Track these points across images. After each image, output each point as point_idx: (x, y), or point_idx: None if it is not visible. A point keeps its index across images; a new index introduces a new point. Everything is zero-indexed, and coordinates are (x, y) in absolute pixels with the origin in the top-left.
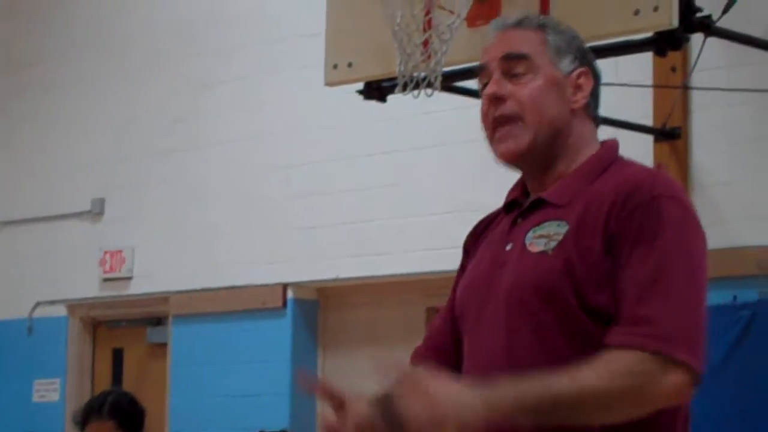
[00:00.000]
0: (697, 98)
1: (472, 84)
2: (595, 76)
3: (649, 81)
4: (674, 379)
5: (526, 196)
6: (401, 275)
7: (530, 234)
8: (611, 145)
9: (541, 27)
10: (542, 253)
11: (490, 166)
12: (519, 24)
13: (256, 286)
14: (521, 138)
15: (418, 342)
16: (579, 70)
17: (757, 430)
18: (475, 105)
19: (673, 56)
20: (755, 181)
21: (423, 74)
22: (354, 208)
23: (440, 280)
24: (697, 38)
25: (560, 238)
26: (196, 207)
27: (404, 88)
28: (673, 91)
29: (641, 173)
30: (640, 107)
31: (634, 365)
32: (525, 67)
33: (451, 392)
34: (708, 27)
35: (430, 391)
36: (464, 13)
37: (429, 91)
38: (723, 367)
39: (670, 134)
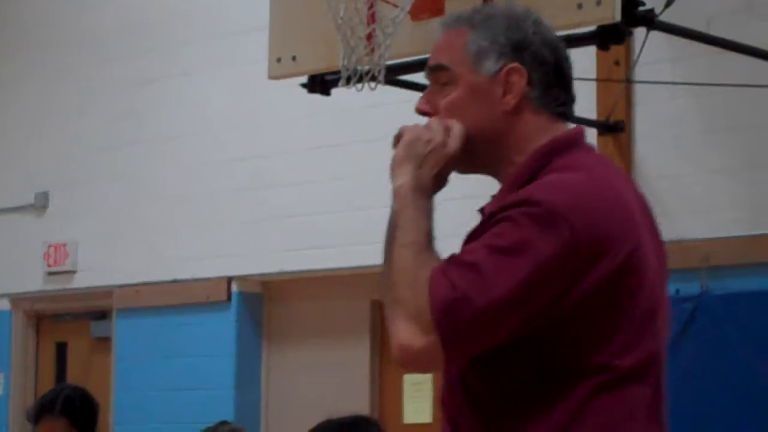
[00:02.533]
0: (640, 92)
1: (416, 77)
2: (540, 62)
3: (593, 75)
4: (428, 317)
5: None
6: (346, 269)
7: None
8: (548, 145)
9: (469, 25)
10: None
11: None
12: (450, 24)
13: (201, 280)
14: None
15: (363, 335)
16: (507, 67)
17: (698, 422)
18: (419, 98)
19: (616, 50)
20: (698, 174)
21: (367, 68)
22: (299, 202)
23: None
24: (640, 32)
25: None
26: (141, 201)
27: (348, 81)
28: (617, 85)
29: (531, 186)
30: (584, 101)
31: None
32: (447, 77)
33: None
34: (650, 21)
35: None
36: (408, 7)
37: (373, 84)
38: (667, 359)
39: (613, 128)
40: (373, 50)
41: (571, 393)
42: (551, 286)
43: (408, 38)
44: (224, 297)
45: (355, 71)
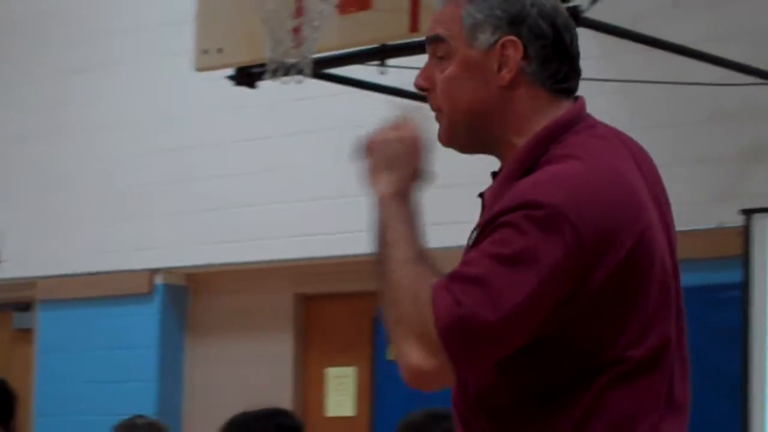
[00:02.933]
0: None
1: (343, 71)
2: (537, 34)
3: None
4: (430, 338)
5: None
6: (270, 261)
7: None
8: (546, 131)
9: None
10: None
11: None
12: None
13: (124, 272)
14: (442, 129)
15: (287, 328)
16: (502, 40)
17: None
18: (346, 91)
19: None
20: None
21: (293, 61)
22: (223, 194)
23: (310, 267)
24: None
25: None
26: (65, 192)
27: (274, 74)
28: None
29: (540, 177)
30: None
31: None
32: (443, 50)
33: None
34: (576, 17)
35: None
36: (335, 1)
37: (299, 77)
38: None
39: None
40: (299, 44)
41: (585, 389)
42: (560, 291)
43: (335, 32)
44: (147, 289)
45: (282, 64)
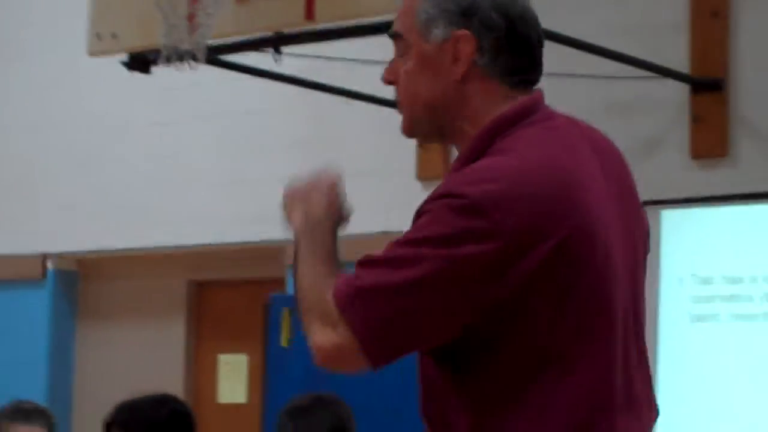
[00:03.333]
0: None
1: (238, 57)
2: (488, 27)
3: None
4: (332, 323)
5: None
6: (164, 248)
7: None
8: (494, 123)
9: None
10: None
11: (257, 139)
12: None
13: (16, 257)
14: (403, 122)
15: (179, 314)
16: (455, 34)
17: None
18: (242, 78)
19: None
20: None
21: (187, 47)
22: (116, 180)
23: (203, 253)
24: None
25: None
26: None
27: (168, 60)
28: None
29: (458, 177)
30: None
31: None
32: (402, 46)
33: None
34: None
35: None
36: None
37: (193, 63)
38: None
39: None
40: (194, 30)
41: (534, 387)
42: (475, 280)
43: (230, 18)
44: (39, 274)
45: (176, 50)
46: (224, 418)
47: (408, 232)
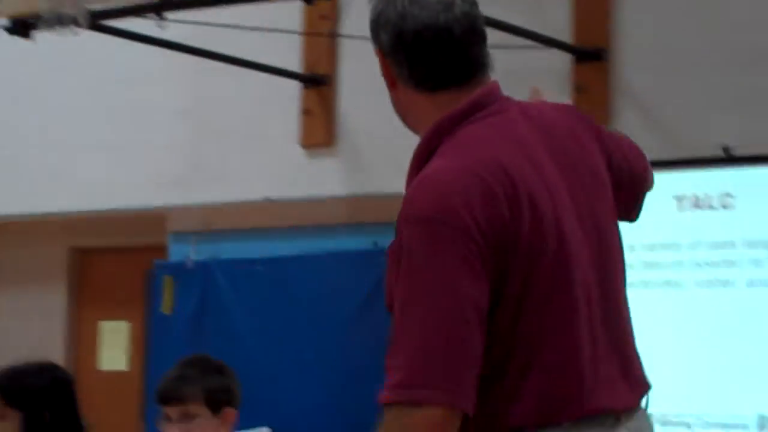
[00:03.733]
0: (345, 46)
1: (120, 23)
2: (390, 47)
3: (299, 28)
4: (417, 420)
5: None
6: (44, 214)
7: None
8: (434, 128)
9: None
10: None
11: (140, 106)
12: None
13: None
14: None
15: (60, 282)
16: (380, 58)
17: None
18: (125, 44)
19: (323, 4)
20: (397, 128)
21: (69, 12)
22: None
23: (85, 221)
24: None
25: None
26: None
27: (49, 25)
28: (323, 38)
29: (411, 186)
30: (290, 53)
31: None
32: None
33: None
34: None
35: None
36: None
37: (75, 29)
38: (364, 311)
39: (317, 80)
40: None
41: (504, 373)
42: (475, 286)
43: None
44: None
45: (57, 15)
46: (106, 386)
47: (397, 305)
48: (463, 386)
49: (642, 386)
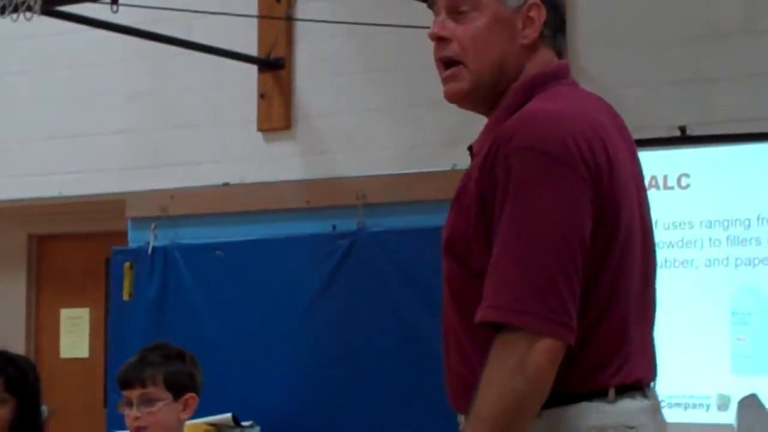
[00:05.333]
0: (301, 29)
1: (74, 8)
2: (552, 5)
3: (254, 11)
4: (530, 345)
5: None
6: (3, 201)
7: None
8: (531, 78)
9: None
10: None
11: (96, 91)
12: None
13: None
14: (463, 81)
15: (20, 269)
16: (530, 2)
17: (354, 356)
18: (78, 29)
19: None
20: (356, 112)
21: None
22: None
23: (42, 207)
24: None
25: (457, 193)
26: None
27: (3, 11)
28: (278, 22)
29: (515, 120)
30: (245, 37)
31: (500, 363)
32: (470, 4)
33: None
34: None
35: None
36: None
37: (28, 14)
38: (323, 294)
39: (273, 64)
40: None
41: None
42: (584, 213)
43: None
44: None
45: (11, 1)
46: (68, 373)
47: (506, 222)
48: (574, 322)
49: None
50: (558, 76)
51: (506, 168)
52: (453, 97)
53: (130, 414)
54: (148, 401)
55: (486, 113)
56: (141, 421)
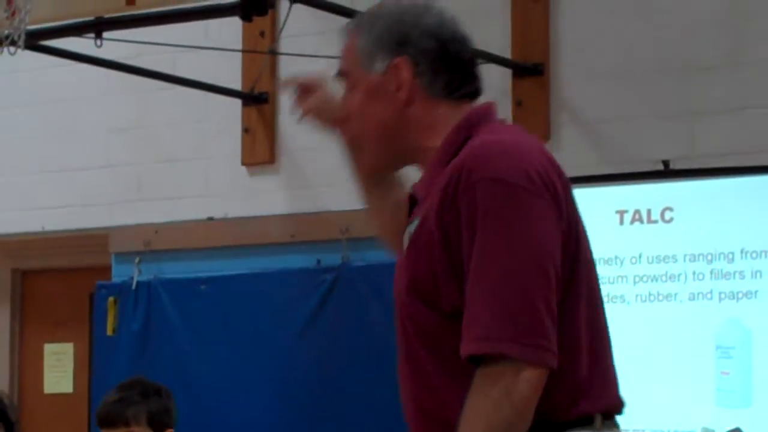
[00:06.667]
0: (285, 64)
1: (57, 42)
2: (423, 54)
3: (238, 46)
4: (515, 374)
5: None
6: None
7: (404, 233)
8: (464, 120)
9: (358, 30)
10: (403, 255)
11: (79, 126)
12: (347, 31)
13: None
14: (367, 159)
15: (3, 303)
16: (393, 62)
17: (341, 391)
18: (63, 64)
19: (262, 21)
20: (338, 146)
21: (6, 32)
22: None
23: (26, 242)
24: (284, 5)
25: (412, 237)
26: None
27: None
28: (262, 56)
29: (471, 152)
30: (229, 72)
31: (485, 393)
32: (349, 83)
33: None
34: None
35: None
36: None
37: (12, 49)
38: (308, 328)
39: (258, 99)
40: (13, 14)
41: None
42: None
43: (50, 3)
44: None
45: None
46: (51, 409)
47: (479, 259)
48: (555, 347)
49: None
50: (488, 116)
51: (471, 200)
52: (365, 172)
53: None
54: None
55: (415, 164)
56: None
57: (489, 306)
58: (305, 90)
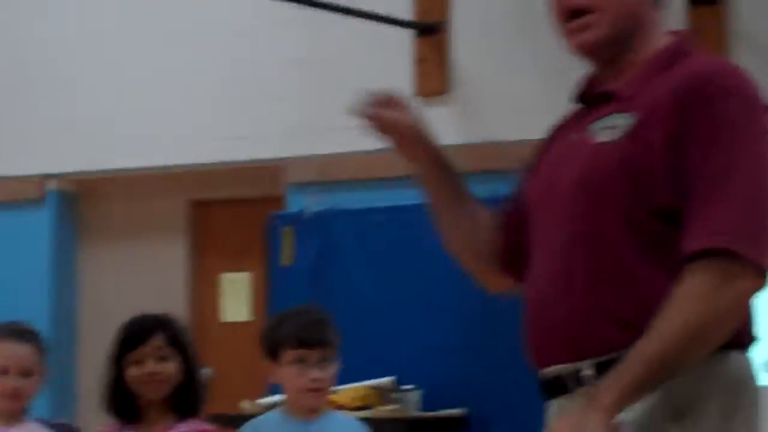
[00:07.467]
0: None
1: None
2: None
3: None
4: (744, 276)
5: (593, 87)
6: (162, 168)
7: (595, 126)
8: (683, 36)
9: None
10: (603, 143)
11: (252, 57)
12: None
13: (14, 178)
14: (598, 29)
15: (178, 235)
16: None
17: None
18: None
19: None
20: (511, 75)
21: None
22: (115, 100)
23: (201, 173)
24: None
25: (625, 129)
26: None
27: None
28: None
29: (706, 66)
30: (402, 2)
31: (710, 281)
32: None
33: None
34: None
35: None
36: None
37: None
38: None
39: (430, 29)
40: None
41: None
42: None
43: None
44: (38, 195)
45: None
46: (228, 337)
47: (719, 156)
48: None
49: None
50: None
51: (710, 110)
52: (588, 47)
53: (307, 373)
54: (325, 361)
55: (603, 66)
56: (320, 382)
57: (731, 209)
58: (386, 103)
